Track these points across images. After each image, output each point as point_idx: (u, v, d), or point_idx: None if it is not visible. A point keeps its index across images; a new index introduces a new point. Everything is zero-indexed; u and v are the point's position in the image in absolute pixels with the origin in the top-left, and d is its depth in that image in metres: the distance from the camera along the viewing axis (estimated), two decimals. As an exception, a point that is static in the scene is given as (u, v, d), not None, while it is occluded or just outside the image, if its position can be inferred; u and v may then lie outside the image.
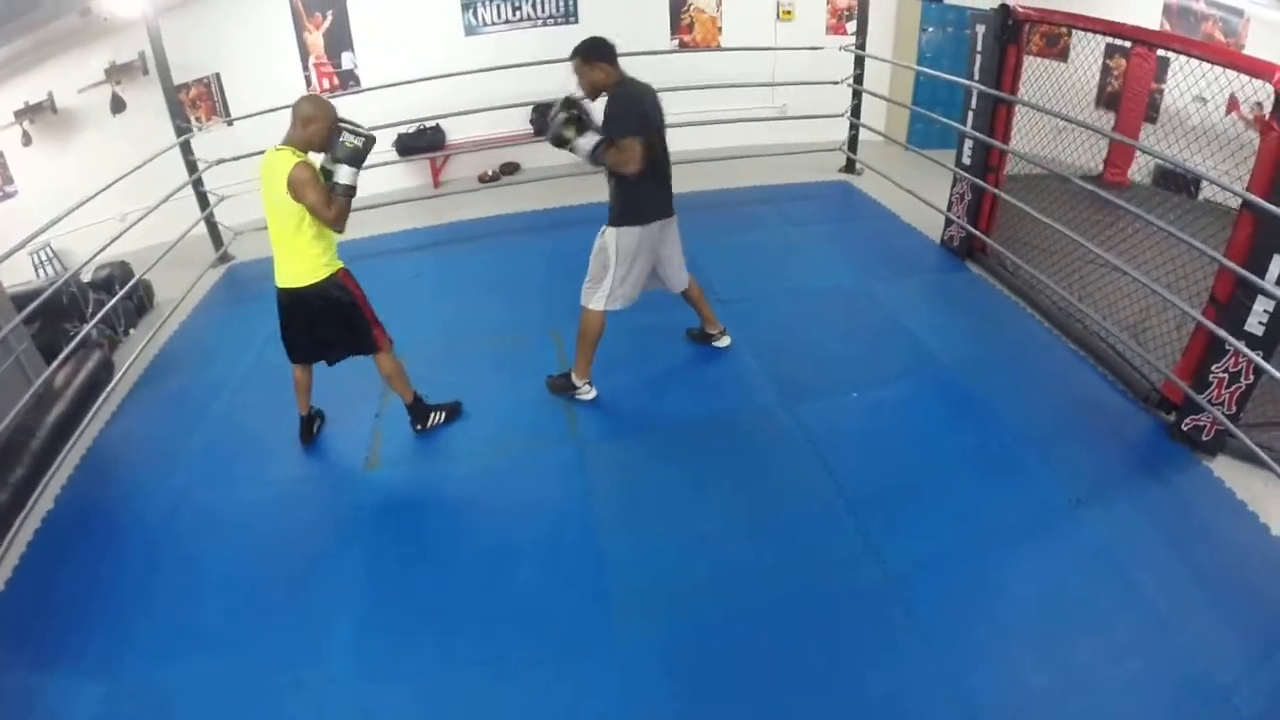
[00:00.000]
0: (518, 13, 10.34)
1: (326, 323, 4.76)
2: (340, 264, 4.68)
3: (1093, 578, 3.77)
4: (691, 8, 10.46)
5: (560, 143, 4.73)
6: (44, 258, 9.62)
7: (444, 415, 5.21)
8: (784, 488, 4.48)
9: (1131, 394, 5.06)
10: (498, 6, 10.29)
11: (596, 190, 8.83)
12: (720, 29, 10.59)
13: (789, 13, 10.44)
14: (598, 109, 4.73)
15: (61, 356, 6.07)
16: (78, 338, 6.35)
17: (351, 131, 4.39)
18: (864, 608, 3.72)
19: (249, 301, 7.67)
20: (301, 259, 4.54)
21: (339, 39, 10.19)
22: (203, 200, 8.77)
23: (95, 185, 6.88)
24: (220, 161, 8.55)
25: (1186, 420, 4.59)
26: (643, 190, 4.82)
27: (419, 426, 5.15)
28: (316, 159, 4.42)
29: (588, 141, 4.65)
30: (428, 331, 6.41)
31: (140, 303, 8.00)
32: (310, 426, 5.29)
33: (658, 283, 5.33)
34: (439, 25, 10.32)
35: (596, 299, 5.00)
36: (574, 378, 5.25)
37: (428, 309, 6.97)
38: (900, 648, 3.52)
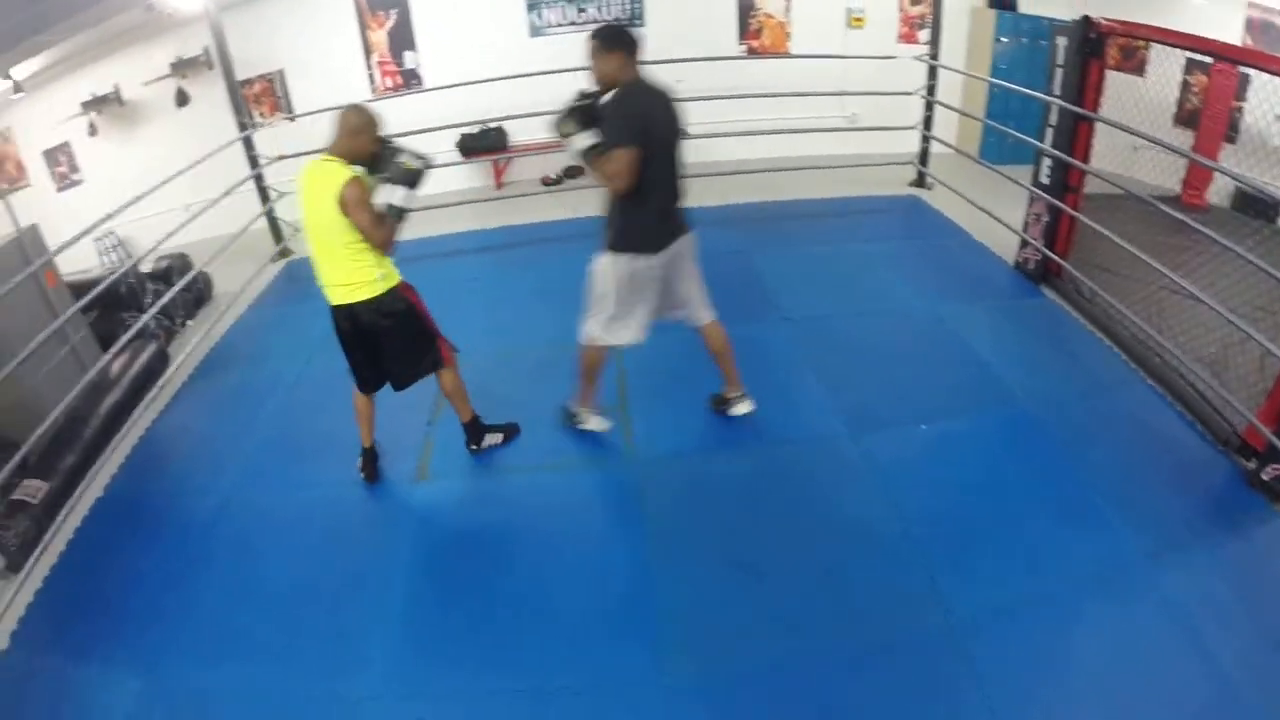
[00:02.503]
0: (583, 14, 10.31)
1: (390, 340, 4.57)
2: (398, 276, 4.49)
3: (1164, 639, 3.54)
4: (760, 13, 10.33)
5: (563, 135, 4.29)
6: (108, 245, 9.77)
7: (501, 438, 5.09)
8: (847, 523, 4.31)
9: (1211, 436, 4.79)
10: (562, 8, 10.28)
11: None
12: (789, 35, 10.44)
13: (860, 19, 10.24)
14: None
15: (118, 346, 6.15)
16: (135, 327, 6.42)
17: (411, 153, 4.29)
18: (924, 658, 3.55)
19: (307, 299, 7.60)
20: (356, 273, 4.35)
21: (402, 38, 10.25)
22: (263, 195, 8.89)
23: (158, 176, 6.98)
24: (282, 158, 8.63)
25: (1268, 469, 4.31)
26: (641, 213, 4.30)
27: (474, 446, 5.04)
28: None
29: (583, 140, 4.19)
30: (483, 338, 6.32)
31: (199, 294, 8.14)
32: (373, 460, 5.03)
33: (678, 314, 4.79)
34: (503, 26, 10.33)
35: (588, 330, 4.64)
36: (572, 404, 5.06)
37: (484, 315, 6.93)
38: (958, 704, 3.35)
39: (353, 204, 4.11)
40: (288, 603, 4.21)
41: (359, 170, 4.22)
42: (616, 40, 4.17)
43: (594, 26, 9.99)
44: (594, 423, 5.02)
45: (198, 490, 5.15)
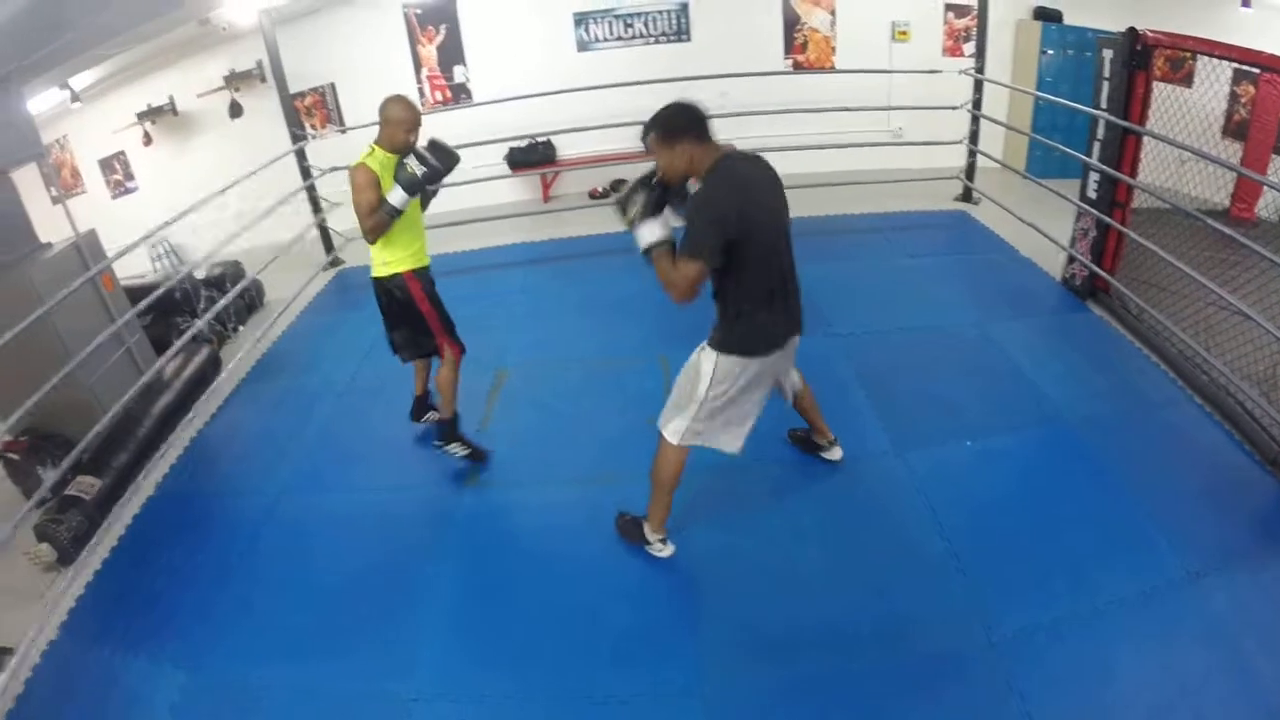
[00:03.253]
0: (630, 30, 10.37)
1: (394, 317, 4.95)
2: (408, 266, 4.76)
3: (1209, 662, 3.49)
4: (805, 27, 10.33)
5: (625, 221, 3.69)
6: (161, 251, 9.97)
7: (466, 453, 5.14)
8: (891, 539, 4.31)
9: (1259, 455, 4.71)
10: (610, 23, 10.33)
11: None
12: (834, 49, 10.42)
13: (905, 33, 10.21)
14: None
15: (174, 349, 6.31)
16: (189, 333, 6.56)
17: (420, 157, 4.43)
18: (967, 675, 3.55)
19: (356, 308, 7.80)
20: (373, 252, 4.74)
21: (452, 53, 10.38)
22: (315, 205, 9.03)
23: (211, 185, 7.16)
24: (334, 169, 8.76)
25: None
26: (751, 313, 3.67)
27: (437, 443, 5.17)
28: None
29: (648, 233, 3.54)
30: (532, 349, 6.45)
31: (250, 301, 8.34)
32: (421, 408, 5.55)
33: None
34: (551, 41, 10.42)
35: (673, 427, 3.95)
36: (646, 530, 4.28)
37: (533, 325, 7.02)
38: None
39: (351, 184, 4.50)
40: (336, 603, 4.30)
41: (389, 158, 4.52)
42: (676, 126, 3.49)
43: (641, 44, 10.26)
44: (659, 549, 4.28)
45: (248, 491, 5.30)
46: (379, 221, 4.47)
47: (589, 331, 6.65)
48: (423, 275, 4.84)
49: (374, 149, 4.55)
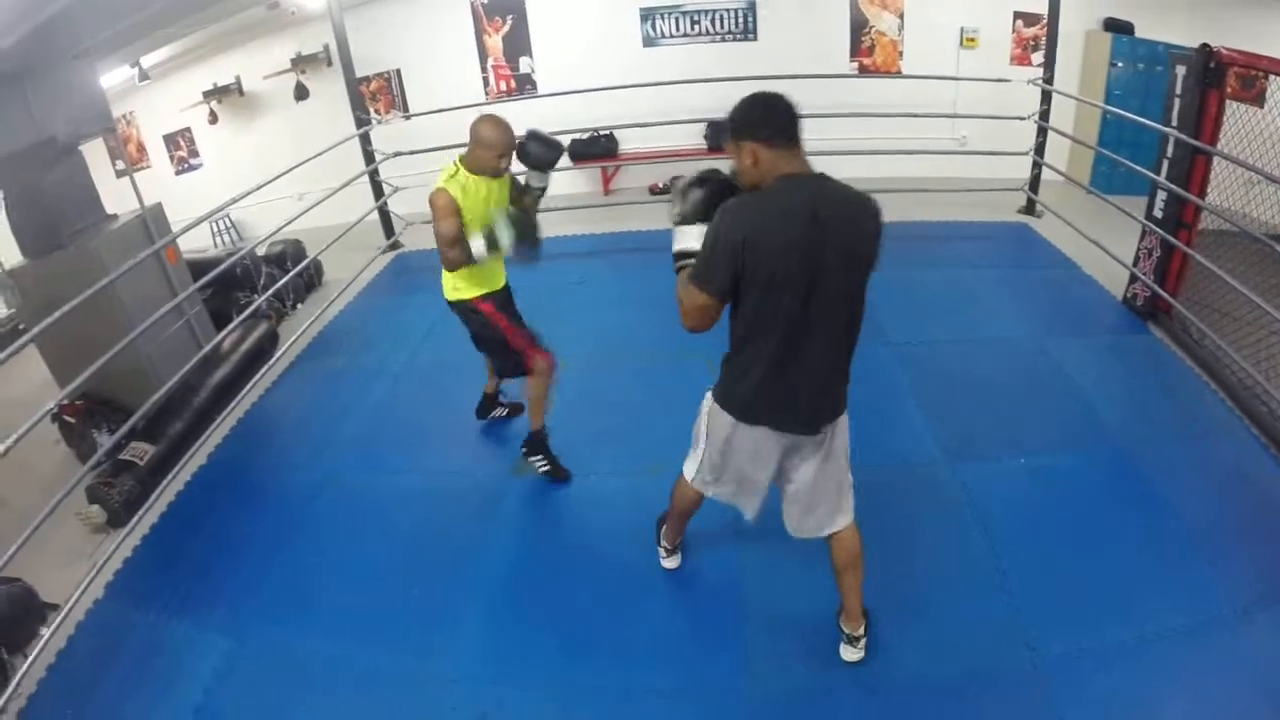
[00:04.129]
0: (696, 27, 10.36)
1: (479, 339, 4.79)
2: (479, 291, 4.56)
3: (1249, 700, 3.42)
4: (873, 30, 10.25)
5: (672, 216, 3.12)
6: (223, 226, 10.15)
7: (548, 469, 4.96)
8: (939, 551, 4.29)
9: None
10: (676, 20, 10.33)
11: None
12: (901, 53, 10.34)
13: (973, 40, 10.10)
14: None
15: (234, 323, 6.45)
16: (251, 308, 6.70)
17: (515, 221, 4.17)
18: (1006, 696, 3.51)
19: (414, 292, 7.92)
20: (445, 275, 4.51)
21: (518, 43, 10.44)
22: (377, 189, 9.13)
23: (274, 164, 7.31)
24: (397, 154, 8.85)
25: None
26: (747, 369, 3.08)
27: (524, 450, 4.99)
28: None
29: (679, 239, 3.06)
30: (588, 342, 6.47)
31: (309, 279, 8.43)
32: (489, 405, 5.50)
33: (797, 516, 3.53)
34: (618, 35, 10.43)
35: (687, 465, 3.61)
36: (661, 536, 4.21)
37: (589, 318, 7.04)
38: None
39: (431, 209, 4.18)
40: (381, 581, 4.38)
41: (475, 181, 4.26)
42: (746, 120, 2.89)
43: (706, 41, 10.24)
44: (663, 557, 4.24)
45: (299, 466, 5.41)
46: (458, 259, 4.19)
47: (646, 326, 6.63)
48: (495, 297, 4.65)
49: (457, 168, 4.24)
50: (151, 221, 6.09)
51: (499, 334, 4.61)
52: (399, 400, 5.92)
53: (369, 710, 3.65)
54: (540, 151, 4.36)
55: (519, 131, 4.36)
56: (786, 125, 2.85)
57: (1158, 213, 6.40)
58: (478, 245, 4.13)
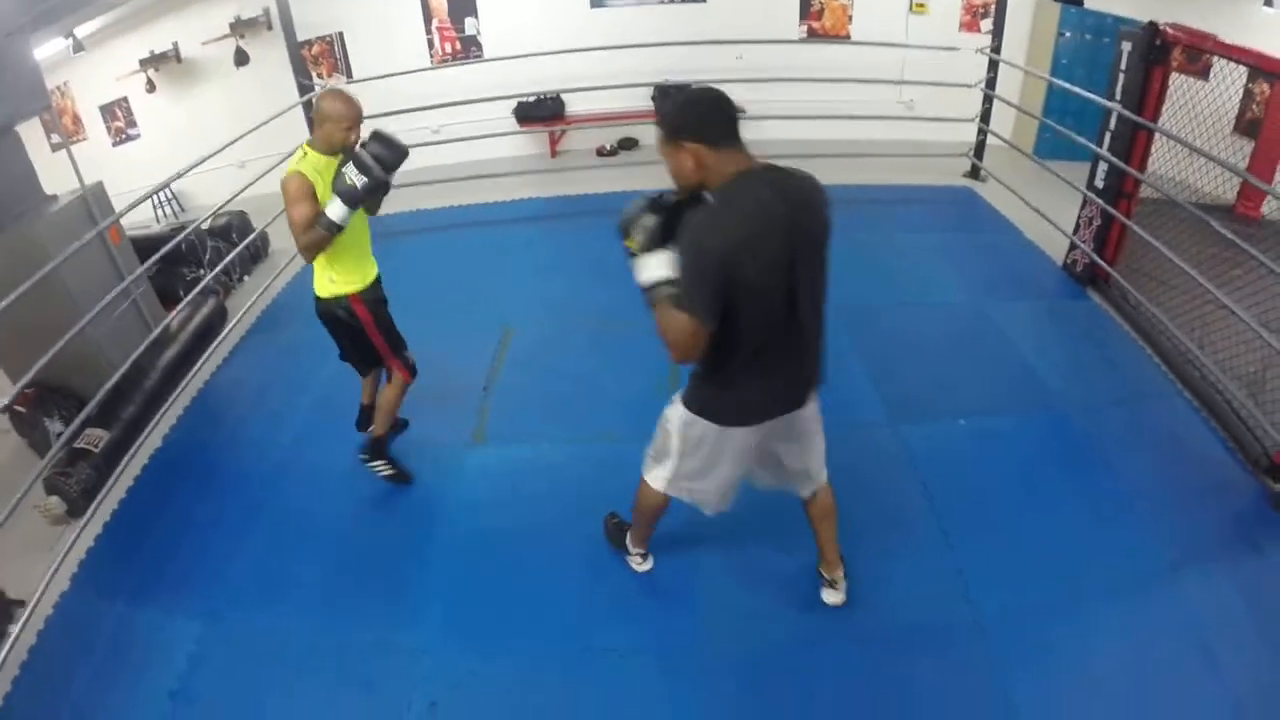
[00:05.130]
0: (646, -12, 10.23)
1: (342, 338, 4.57)
2: (355, 288, 4.31)
3: (1179, 650, 3.62)
4: (823, -7, 10.25)
5: (628, 249, 2.93)
6: (164, 198, 9.94)
7: (389, 473, 4.79)
8: (883, 511, 4.42)
9: (1242, 455, 4.79)
10: (625, -20, 10.20)
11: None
12: (851, 18, 10.36)
13: (922, 5, 10.16)
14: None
15: (184, 303, 6.37)
16: (201, 284, 6.63)
17: (359, 163, 3.82)
18: (950, 649, 3.69)
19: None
20: (318, 265, 4.25)
21: (463, 4, 10.30)
22: (323, 157, 8.86)
23: (215, 132, 7.17)
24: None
25: None
26: (728, 374, 3.01)
27: (364, 456, 4.79)
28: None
29: (649, 269, 2.82)
30: (538, 308, 6.51)
31: (255, 251, 8.29)
32: (368, 418, 5.01)
33: (778, 485, 3.66)
34: (566, -5, 10.28)
35: (654, 476, 3.52)
36: (629, 540, 4.11)
37: (539, 283, 7.07)
38: (980, 701, 3.48)
39: (283, 193, 3.92)
40: (345, 556, 4.41)
41: (327, 161, 3.99)
42: (683, 121, 2.73)
43: (655, 2, 10.21)
44: (637, 562, 4.14)
45: (255, 444, 5.37)
46: (316, 239, 3.90)
47: (596, 291, 6.65)
48: (370, 296, 4.40)
49: (307, 151, 4.00)
50: (93, 201, 5.92)
51: (366, 338, 4.45)
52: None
53: (342, 685, 3.69)
54: (380, 151, 3.97)
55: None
56: (729, 123, 2.72)
57: (1099, 183, 6.53)
58: (334, 207, 3.83)
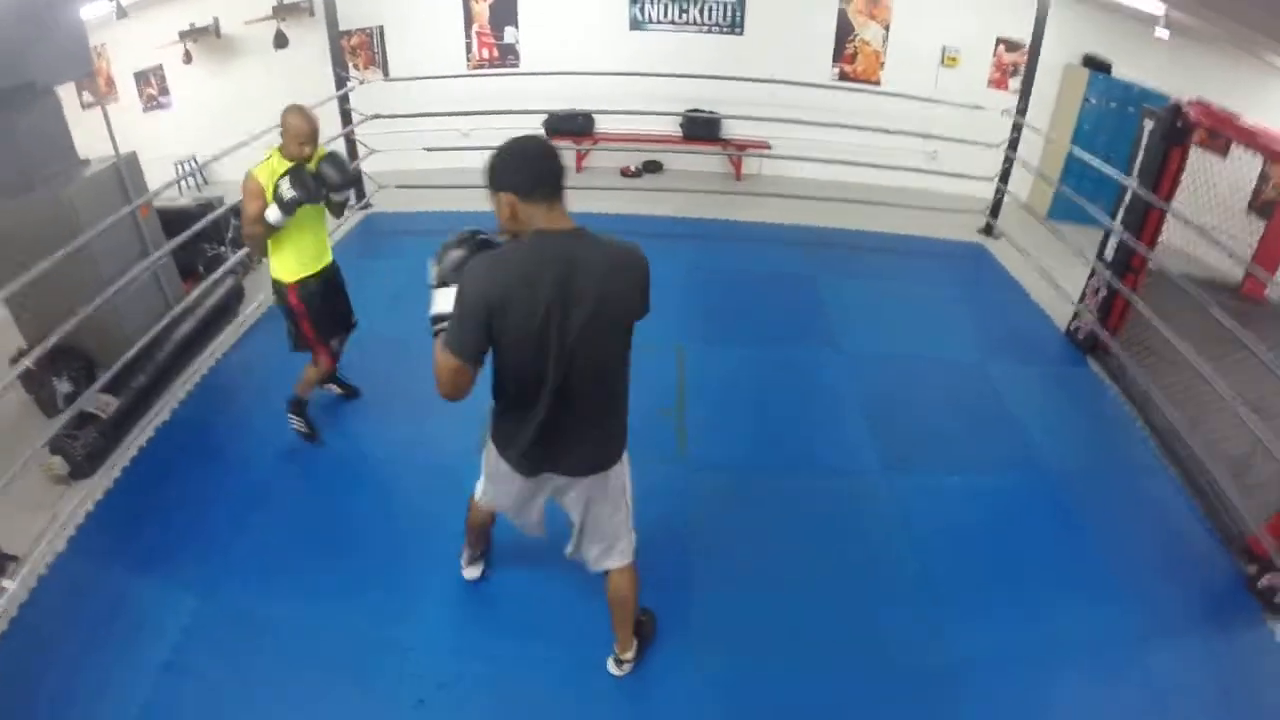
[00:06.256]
0: (685, 15, 10.44)
1: (284, 316, 5.03)
2: (293, 276, 4.82)
3: (1137, 717, 3.76)
4: (858, 38, 10.41)
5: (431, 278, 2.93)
6: (187, 169, 9.95)
7: (304, 430, 5.26)
8: (870, 554, 4.56)
9: (1219, 534, 4.90)
10: (665, 6, 10.39)
11: (743, 208, 8.85)
12: (883, 64, 10.51)
13: (954, 59, 10.31)
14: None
15: (209, 281, 6.46)
16: (226, 265, 6.70)
17: (295, 178, 4.38)
18: (920, 690, 3.81)
19: (380, 257, 7.97)
20: (271, 252, 4.79)
21: (504, 12, 10.45)
22: (352, 149, 9.02)
23: (247, 111, 7.21)
24: (376, 116, 8.82)
25: (1265, 577, 4.44)
26: (501, 411, 3.12)
27: (289, 412, 5.24)
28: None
29: (434, 306, 2.87)
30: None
31: (277, 234, 8.25)
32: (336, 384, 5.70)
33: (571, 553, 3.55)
34: (606, 13, 10.49)
35: (477, 487, 3.66)
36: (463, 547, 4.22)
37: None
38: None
39: (243, 193, 4.51)
40: (346, 545, 4.49)
41: (284, 166, 4.47)
42: (501, 171, 2.74)
43: (693, 30, 10.34)
44: (466, 569, 4.27)
45: (263, 426, 5.39)
46: (257, 234, 4.56)
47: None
48: (305, 284, 4.86)
49: (273, 154, 4.57)
50: (126, 171, 5.97)
51: (295, 321, 4.94)
52: (364, 368, 5.86)
53: (333, 673, 3.76)
54: (327, 171, 4.56)
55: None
56: (544, 178, 2.71)
57: (1108, 255, 6.62)
58: (271, 211, 4.42)
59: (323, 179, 4.53)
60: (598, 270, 2.74)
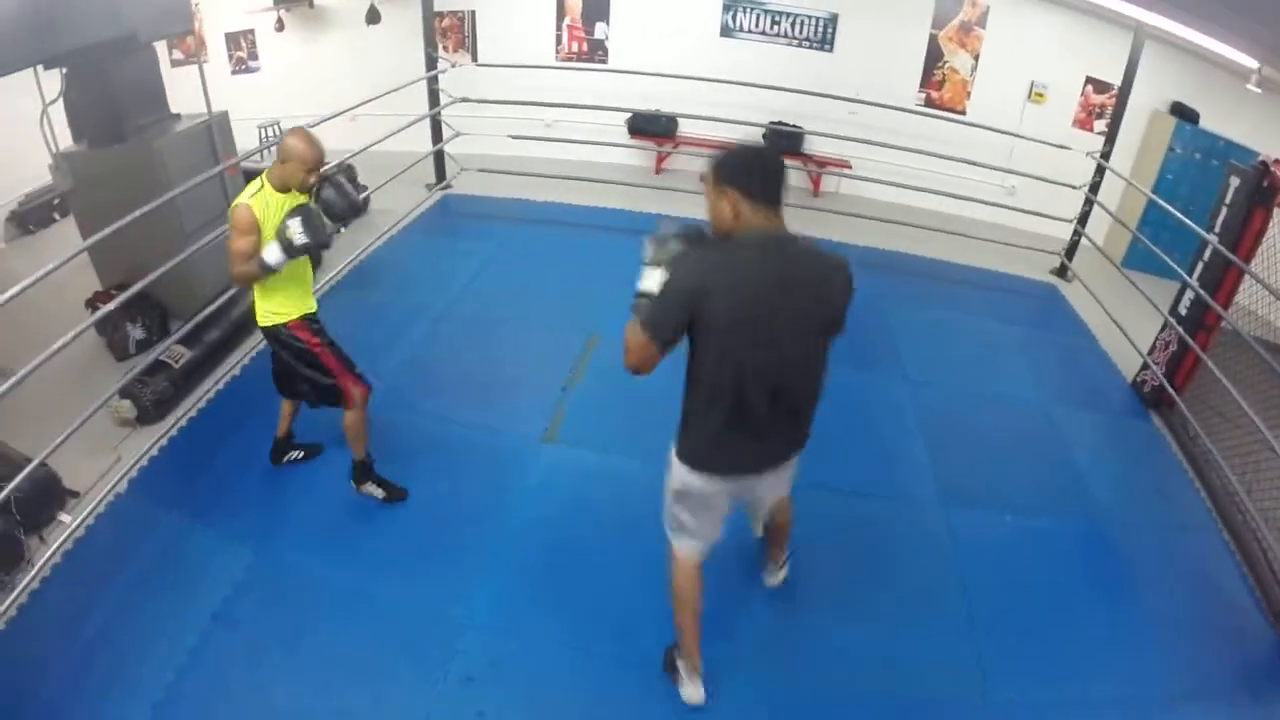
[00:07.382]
0: (776, 27, 10.48)
1: (291, 366, 4.48)
2: (295, 315, 4.32)
3: None
4: (946, 65, 10.38)
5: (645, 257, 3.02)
6: (271, 134, 10.12)
7: (382, 495, 4.74)
8: (916, 585, 4.58)
9: (1265, 605, 4.84)
10: (758, 16, 10.43)
11: (818, 224, 8.83)
12: (969, 93, 10.46)
13: (1041, 95, 10.21)
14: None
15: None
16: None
17: (307, 222, 3.87)
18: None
19: (459, 237, 8.08)
20: (258, 296, 4.26)
21: (597, 7, 10.54)
22: (436, 130, 9.16)
23: (334, 83, 7.64)
24: (464, 100, 8.94)
25: None
26: (702, 421, 3.11)
27: (354, 483, 4.77)
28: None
29: (642, 282, 2.97)
30: (625, 318, 6.59)
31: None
32: (281, 450, 4.99)
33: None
34: (698, 18, 10.54)
35: (668, 532, 3.52)
36: (676, 656, 3.76)
37: (629, 297, 7.11)
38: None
39: (231, 224, 3.95)
40: (405, 521, 4.59)
41: (278, 199, 4.01)
42: (732, 168, 2.85)
43: (783, 43, 10.37)
44: (686, 688, 3.69)
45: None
46: (249, 273, 3.97)
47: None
48: (311, 320, 4.41)
49: (263, 184, 3.99)
50: (217, 130, 6.19)
51: (314, 360, 4.40)
52: (436, 346, 5.98)
53: (381, 642, 3.86)
54: (333, 199, 4.24)
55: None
56: (772, 183, 2.83)
57: (1182, 310, 6.53)
58: (271, 253, 3.89)
59: (329, 207, 4.18)
60: (810, 275, 2.86)
